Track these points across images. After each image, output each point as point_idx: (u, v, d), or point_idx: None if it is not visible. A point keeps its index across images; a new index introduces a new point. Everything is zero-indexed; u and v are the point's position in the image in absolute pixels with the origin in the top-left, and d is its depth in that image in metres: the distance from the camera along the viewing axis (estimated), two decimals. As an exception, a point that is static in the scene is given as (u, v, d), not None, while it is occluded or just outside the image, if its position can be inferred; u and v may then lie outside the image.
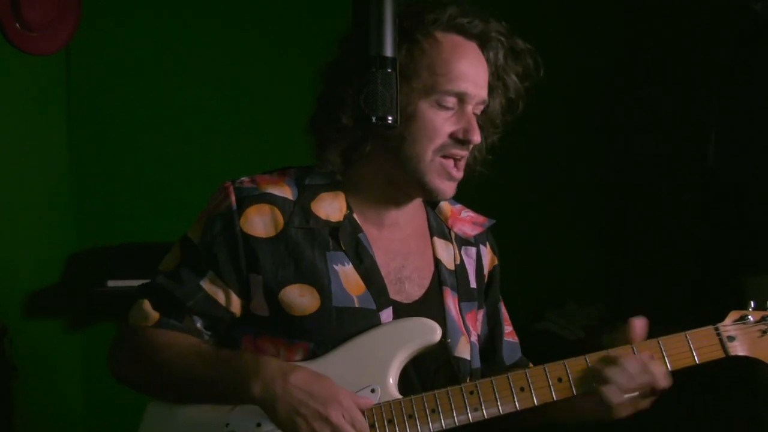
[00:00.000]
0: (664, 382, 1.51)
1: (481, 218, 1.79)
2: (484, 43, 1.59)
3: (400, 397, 1.52)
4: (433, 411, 1.51)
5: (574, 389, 1.53)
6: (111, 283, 3.03)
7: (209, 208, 1.60)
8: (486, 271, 1.79)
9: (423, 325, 1.57)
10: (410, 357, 1.56)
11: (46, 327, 3.22)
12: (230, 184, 1.60)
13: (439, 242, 1.71)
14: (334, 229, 1.59)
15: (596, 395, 1.51)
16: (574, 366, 1.54)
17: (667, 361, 1.54)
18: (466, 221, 1.77)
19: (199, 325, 1.59)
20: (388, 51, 1.42)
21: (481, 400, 1.52)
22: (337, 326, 1.55)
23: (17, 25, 3.03)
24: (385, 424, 1.50)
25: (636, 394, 1.51)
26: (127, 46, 3.30)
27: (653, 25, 3.53)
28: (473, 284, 1.74)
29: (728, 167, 3.16)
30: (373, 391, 1.52)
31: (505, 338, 1.80)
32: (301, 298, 1.54)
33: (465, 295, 1.72)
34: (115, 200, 3.32)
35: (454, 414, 1.51)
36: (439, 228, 1.73)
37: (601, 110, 3.66)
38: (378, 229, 1.64)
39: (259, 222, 1.56)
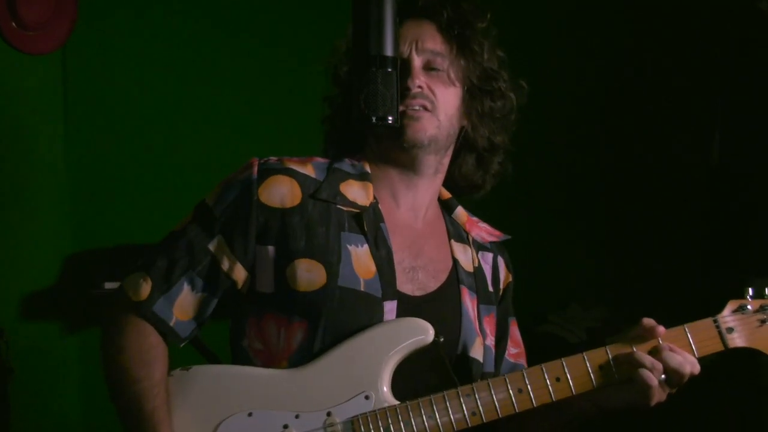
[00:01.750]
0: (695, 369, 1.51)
1: (497, 232, 1.82)
2: (429, 13, 1.65)
3: (395, 402, 1.50)
4: (429, 416, 1.49)
5: (573, 389, 1.51)
6: (108, 285, 3.01)
7: (231, 176, 1.62)
8: (501, 285, 1.80)
9: (415, 326, 1.54)
10: (402, 359, 1.53)
11: (43, 329, 3.20)
12: (257, 159, 1.62)
13: (456, 245, 1.72)
14: (358, 213, 1.60)
15: (629, 383, 1.50)
16: (572, 364, 1.52)
17: None
18: (483, 230, 1.79)
19: (198, 289, 1.57)
20: (389, 50, 1.42)
21: (479, 403, 1.50)
22: (338, 307, 1.53)
23: (13, 24, 3.03)
24: (381, 431, 1.48)
25: (663, 377, 1.49)
26: (124, 46, 3.28)
27: (657, 23, 3.51)
28: (491, 288, 1.75)
29: (733, 167, 3.13)
30: (367, 397, 1.50)
31: (507, 357, 1.78)
32: (308, 273, 1.54)
33: (484, 297, 1.72)
34: (112, 201, 3.30)
35: (452, 418, 1.49)
36: (456, 232, 1.75)
37: (603, 110, 3.65)
38: (396, 215, 1.66)
39: (277, 193, 1.57)
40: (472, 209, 1.83)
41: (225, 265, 1.57)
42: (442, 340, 1.57)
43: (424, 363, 1.57)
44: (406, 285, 1.60)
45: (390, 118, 1.42)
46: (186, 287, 1.57)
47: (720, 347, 1.52)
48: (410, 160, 1.63)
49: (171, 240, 1.60)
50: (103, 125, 3.28)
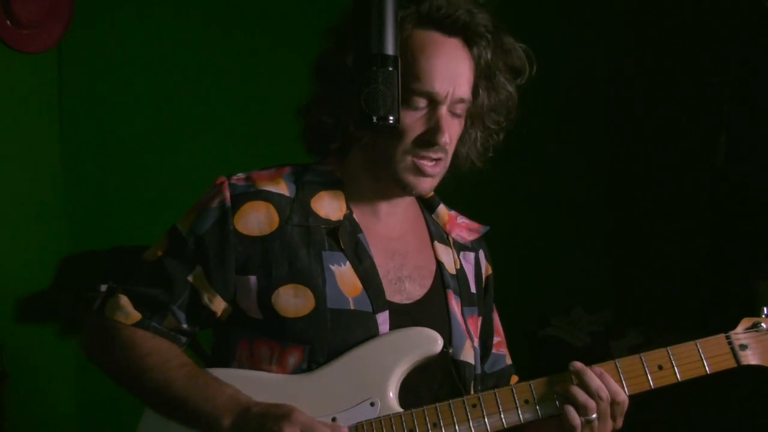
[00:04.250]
0: (620, 398, 1.46)
1: (475, 225, 1.77)
2: (468, 38, 1.53)
3: (400, 410, 1.48)
4: (434, 425, 1.47)
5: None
6: (103, 288, 2.97)
7: (202, 201, 1.56)
8: (483, 280, 1.77)
9: (424, 336, 1.52)
10: (411, 368, 1.52)
11: (38, 332, 3.18)
12: (225, 179, 1.56)
13: (439, 246, 1.68)
14: (333, 228, 1.55)
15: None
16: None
17: (676, 371, 1.49)
18: (463, 227, 1.75)
19: (181, 321, 1.54)
20: (390, 49, 1.38)
21: (485, 413, 1.48)
22: (331, 328, 1.50)
23: (8, 22, 3.02)
24: (386, 438, 1.47)
25: (594, 417, 1.45)
26: (120, 45, 3.27)
27: (663, 22, 3.49)
28: (473, 289, 1.72)
29: (739, 169, 3.12)
30: (372, 404, 1.48)
31: (493, 350, 1.77)
32: (295, 299, 1.50)
33: (467, 299, 1.69)
34: (108, 202, 3.28)
35: (457, 428, 1.47)
36: (438, 233, 1.71)
37: (608, 111, 3.63)
38: (375, 224, 1.60)
39: (254, 220, 1.52)
40: (475, 214, 1.80)
41: (205, 297, 1.53)
42: (450, 351, 1.56)
43: (430, 372, 1.56)
44: (395, 296, 1.57)
45: (391, 117, 1.39)
46: (166, 321, 1.54)
47: (732, 364, 1.50)
48: (404, 196, 1.60)
49: (146, 270, 1.55)
50: (98, 125, 3.26)
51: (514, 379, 1.77)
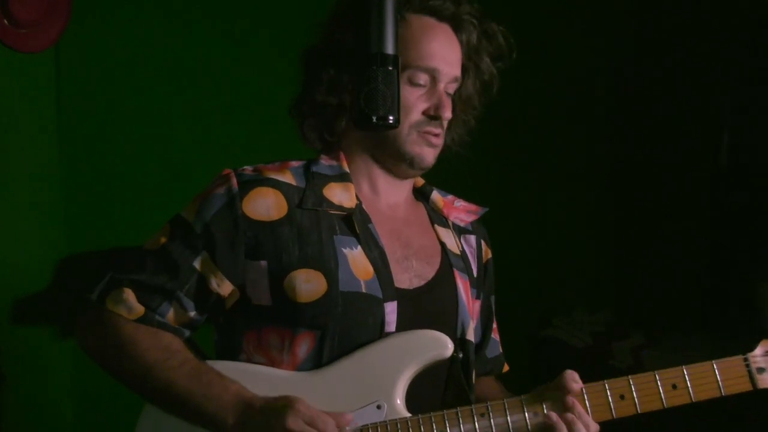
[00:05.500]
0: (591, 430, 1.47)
1: (474, 206, 1.81)
2: (456, 24, 1.64)
3: (407, 414, 1.47)
4: None
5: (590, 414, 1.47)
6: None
7: (207, 190, 1.57)
8: (483, 263, 1.80)
9: (434, 339, 1.52)
10: (419, 371, 1.51)
11: (35, 334, 3.15)
12: (231, 170, 1.58)
13: (440, 229, 1.72)
14: (348, 215, 1.57)
15: None
16: (591, 391, 1.49)
17: (690, 391, 1.48)
18: (461, 210, 1.78)
19: (188, 308, 1.53)
20: (389, 48, 1.39)
21: (492, 423, 1.46)
22: (342, 312, 1.50)
23: (5, 21, 3.00)
24: (390, 442, 1.45)
25: None
26: (118, 44, 3.25)
27: (665, 21, 3.48)
28: (474, 272, 1.75)
29: (741, 169, 3.11)
30: (379, 407, 1.48)
31: (492, 336, 1.81)
32: (307, 283, 1.50)
33: (471, 280, 1.72)
34: (107, 202, 3.26)
35: None
36: (437, 217, 1.74)
37: (609, 111, 3.62)
38: (380, 211, 1.63)
39: (263, 205, 1.53)
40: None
41: (212, 282, 1.53)
42: (461, 356, 1.57)
43: (437, 374, 1.56)
44: (402, 276, 1.58)
45: (391, 117, 1.40)
46: (172, 309, 1.53)
47: (748, 387, 1.49)
48: (407, 174, 1.65)
49: (150, 258, 1.53)
50: (96, 125, 3.24)
51: (506, 367, 1.83)
